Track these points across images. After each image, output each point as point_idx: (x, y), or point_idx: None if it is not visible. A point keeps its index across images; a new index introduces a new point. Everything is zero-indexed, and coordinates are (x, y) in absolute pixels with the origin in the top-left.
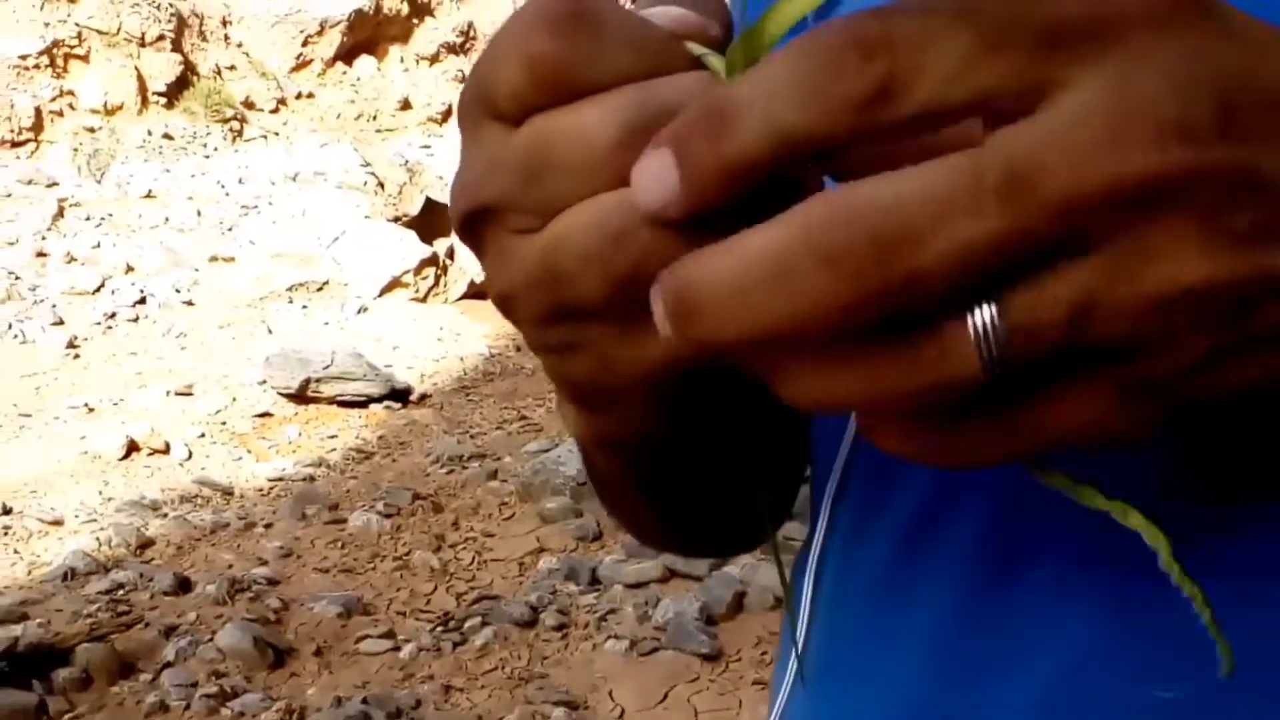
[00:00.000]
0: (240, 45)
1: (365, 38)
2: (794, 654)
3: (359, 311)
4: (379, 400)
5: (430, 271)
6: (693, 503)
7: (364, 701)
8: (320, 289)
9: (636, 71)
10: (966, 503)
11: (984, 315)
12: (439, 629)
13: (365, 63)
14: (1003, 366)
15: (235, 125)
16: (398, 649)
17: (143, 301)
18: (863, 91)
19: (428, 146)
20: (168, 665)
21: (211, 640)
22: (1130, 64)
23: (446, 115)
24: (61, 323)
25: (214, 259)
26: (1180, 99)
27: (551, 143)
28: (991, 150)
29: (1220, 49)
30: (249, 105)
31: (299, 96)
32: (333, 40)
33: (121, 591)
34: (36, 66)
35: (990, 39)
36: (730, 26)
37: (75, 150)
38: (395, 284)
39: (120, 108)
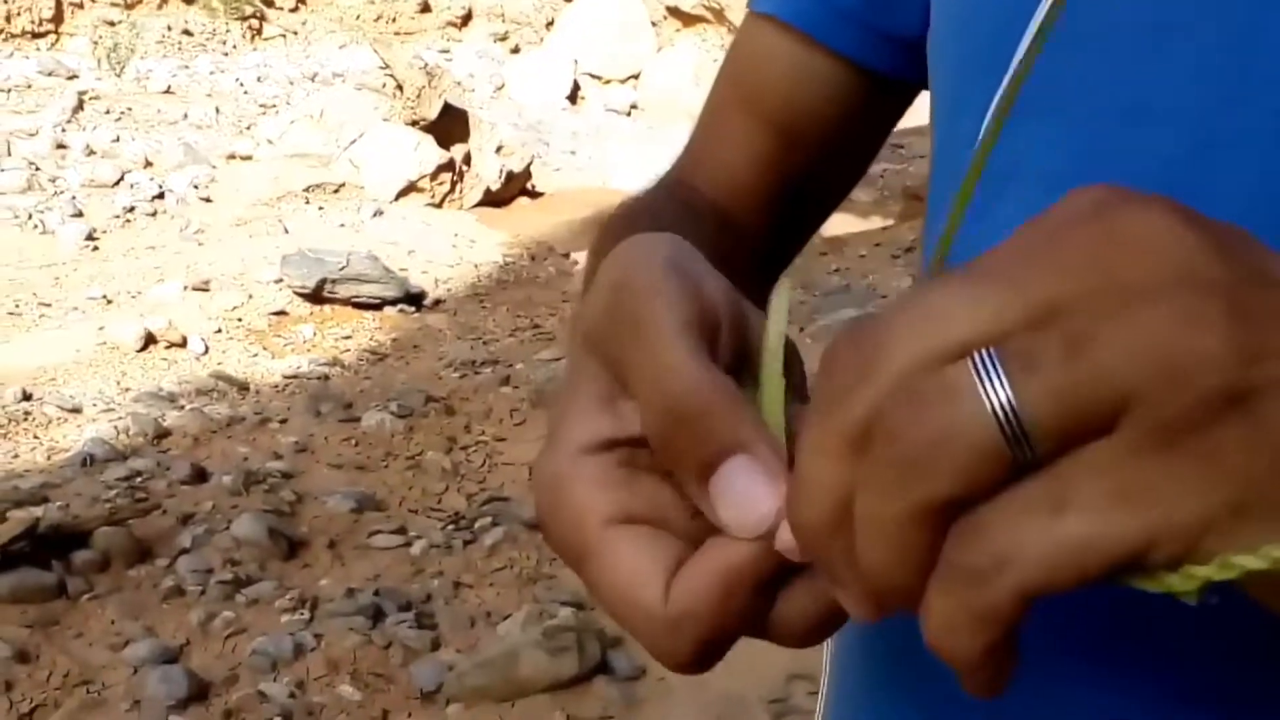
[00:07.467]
0: None
1: None
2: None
3: (374, 215)
4: (393, 303)
5: (446, 177)
6: None
7: (376, 594)
8: (336, 190)
9: None
10: None
11: None
12: (450, 527)
13: None
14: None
15: (254, 23)
16: (409, 545)
17: (161, 197)
18: None
19: (446, 51)
20: (184, 552)
21: (227, 529)
22: None
23: (466, 20)
24: (81, 214)
25: (231, 157)
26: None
27: None
28: None
29: None
30: (268, 3)
31: None
32: None
33: (139, 479)
34: None
35: None
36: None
37: (95, 43)
38: (411, 188)
39: (140, 1)
